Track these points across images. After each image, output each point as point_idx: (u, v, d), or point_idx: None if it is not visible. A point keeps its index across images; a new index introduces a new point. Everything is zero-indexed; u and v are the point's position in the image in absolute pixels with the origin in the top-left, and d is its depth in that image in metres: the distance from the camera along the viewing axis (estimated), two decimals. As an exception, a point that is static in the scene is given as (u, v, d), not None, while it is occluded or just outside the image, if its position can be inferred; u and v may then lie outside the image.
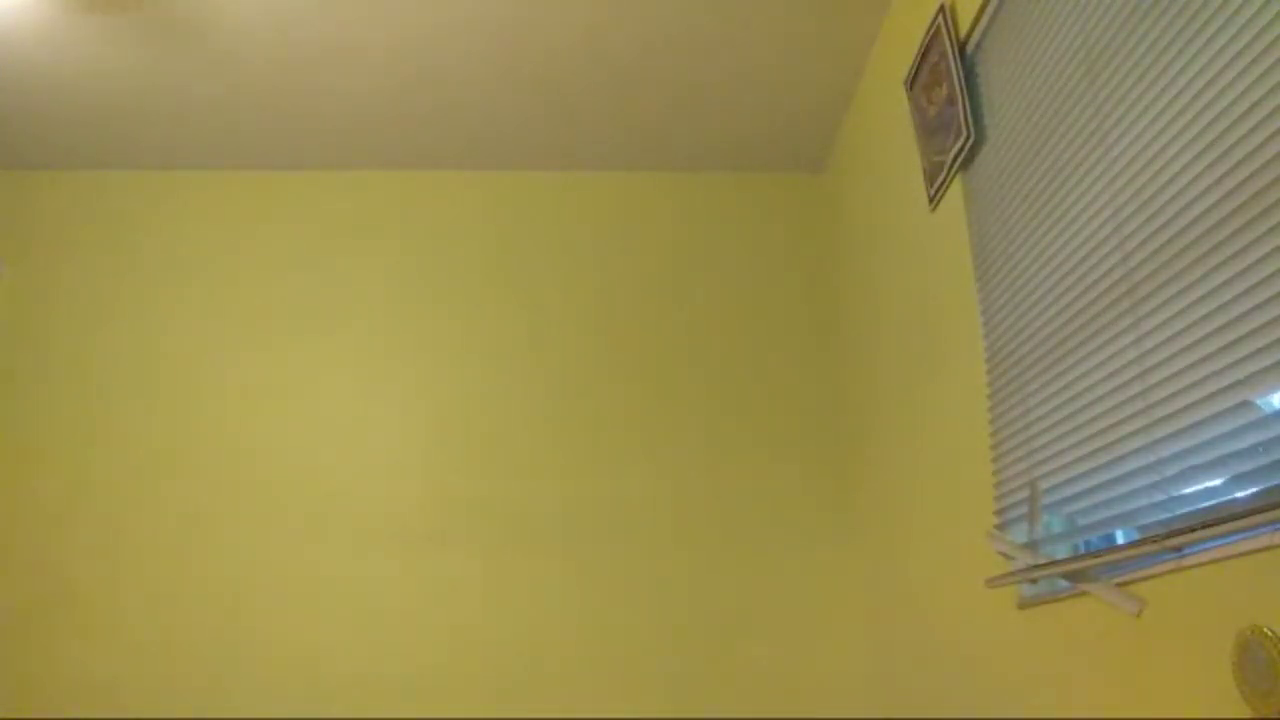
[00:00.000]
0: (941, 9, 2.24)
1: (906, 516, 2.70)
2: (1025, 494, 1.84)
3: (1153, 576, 1.40)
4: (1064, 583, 1.69)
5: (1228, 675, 1.20)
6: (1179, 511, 1.37)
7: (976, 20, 2.11)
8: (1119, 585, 1.48)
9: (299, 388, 3.25)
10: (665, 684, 3.01)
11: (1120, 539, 1.63)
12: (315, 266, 3.38)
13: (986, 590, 2.03)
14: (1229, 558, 1.22)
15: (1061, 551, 1.79)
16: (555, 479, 3.20)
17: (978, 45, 2.15)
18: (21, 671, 2.92)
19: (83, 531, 3.06)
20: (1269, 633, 1.12)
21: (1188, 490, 1.35)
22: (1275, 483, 1.18)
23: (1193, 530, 1.20)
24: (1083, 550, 1.79)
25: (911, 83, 2.46)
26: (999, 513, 1.98)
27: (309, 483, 3.15)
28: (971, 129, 2.12)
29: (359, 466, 3.18)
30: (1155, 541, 1.29)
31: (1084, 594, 1.60)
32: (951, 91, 2.20)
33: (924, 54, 2.36)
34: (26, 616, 2.98)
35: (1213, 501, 1.31)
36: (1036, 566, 1.72)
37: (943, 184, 2.32)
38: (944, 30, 2.22)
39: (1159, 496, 1.41)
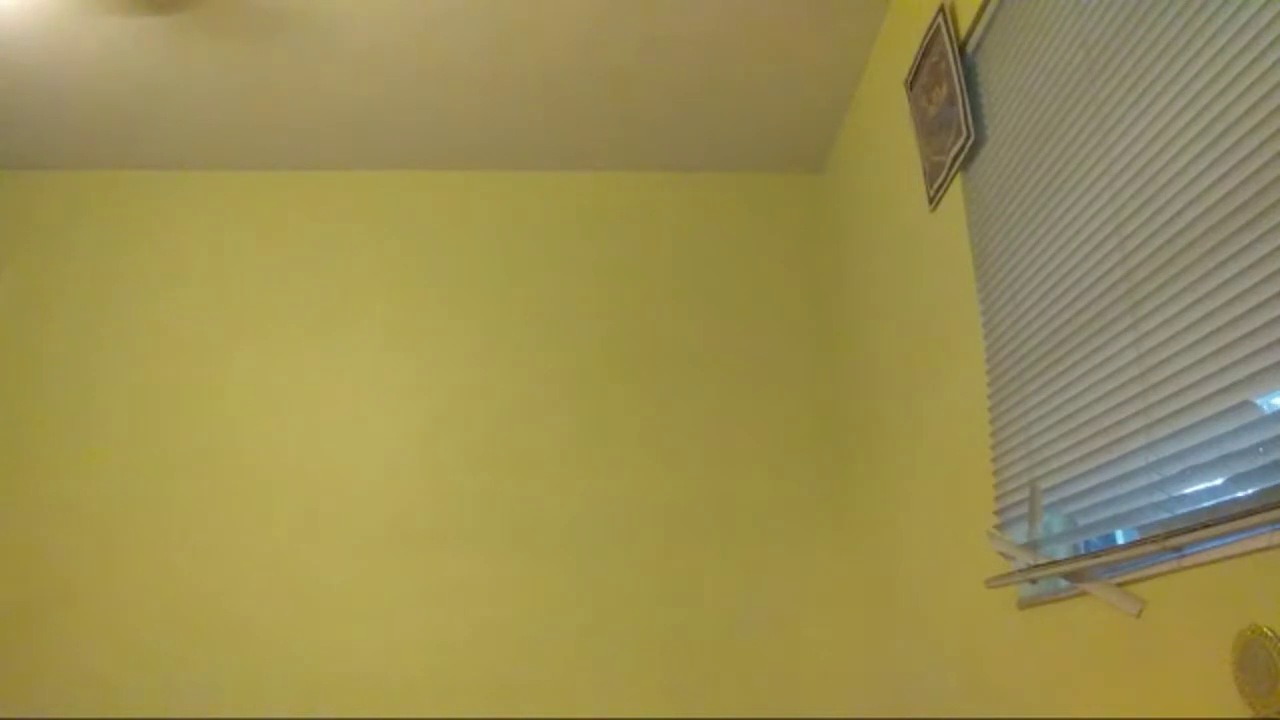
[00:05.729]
0: (941, 9, 2.24)
1: (907, 516, 2.70)
2: (1025, 494, 1.84)
3: (1153, 576, 1.40)
4: (1064, 583, 1.69)
5: (1228, 675, 1.20)
6: (1179, 511, 1.37)
7: (976, 20, 2.11)
8: (1119, 585, 1.48)
9: (299, 387, 3.25)
10: (666, 684, 3.01)
11: (1120, 539, 1.63)
12: (315, 266, 3.38)
13: (986, 590, 2.03)
14: (1229, 558, 1.22)
15: (1061, 551, 1.79)
16: (555, 479, 3.20)
17: (978, 45, 2.15)
18: (21, 671, 2.92)
19: (83, 531, 3.06)
20: (1269, 633, 1.12)
21: (1188, 490, 1.35)
22: (1275, 483, 1.18)
23: (1193, 530, 1.20)
24: (1083, 550, 1.79)
25: (911, 83, 2.46)
26: (999, 513, 1.98)
27: (309, 482, 3.15)
28: (971, 129, 2.12)
29: (359, 466, 3.18)
30: (1155, 541, 1.29)
31: (1084, 594, 1.60)
32: (951, 91, 2.20)
33: (924, 54, 2.36)
34: (26, 615, 2.98)
35: (1213, 501, 1.31)
36: (1036, 566, 1.72)
37: (943, 184, 2.32)
38: (944, 30, 2.22)
39: (1159, 496, 1.41)
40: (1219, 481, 1.29)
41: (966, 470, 2.21)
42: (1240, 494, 1.26)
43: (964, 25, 2.17)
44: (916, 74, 2.42)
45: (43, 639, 2.96)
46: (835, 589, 3.14)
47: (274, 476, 3.15)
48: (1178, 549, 1.30)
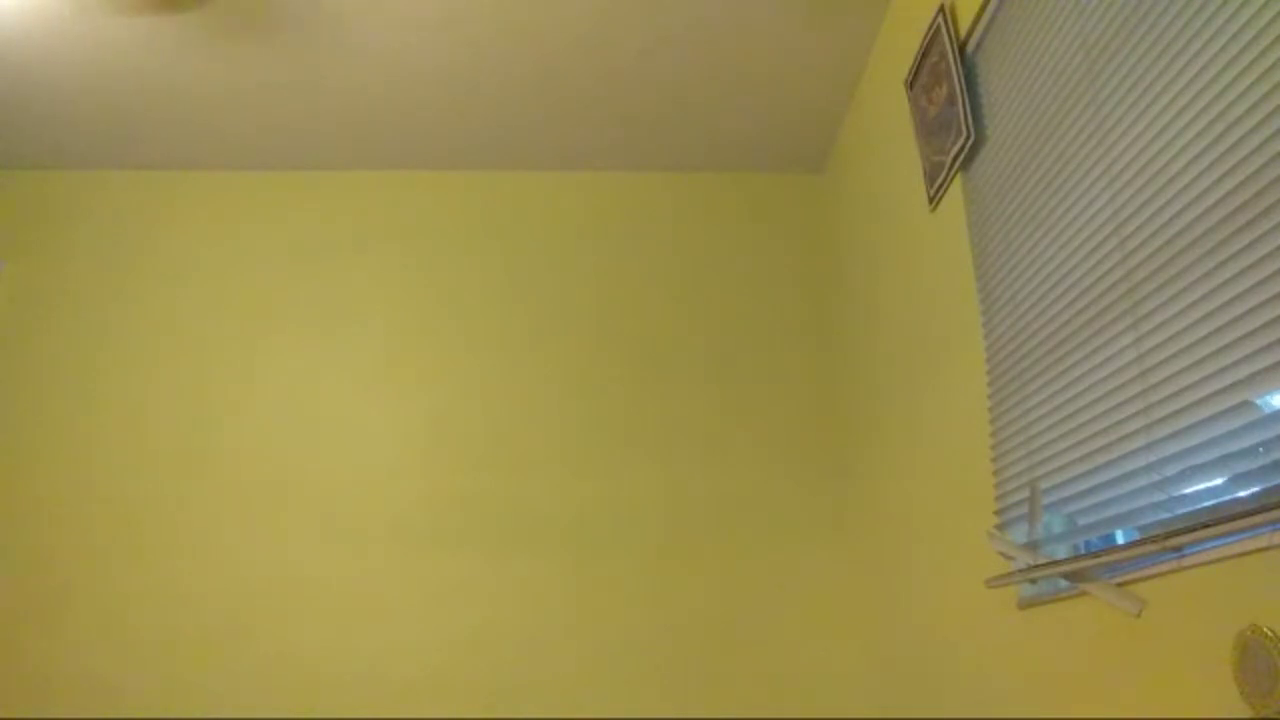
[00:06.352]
0: (941, 9, 2.24)
1: (906, 517, 2.70)
2: (1025, 494, 1.84)
3: (1153, 576, 1.40)
4: (1064, 583, 1.69)
5: (1228, 675, 1.20)
6: (1179, 511, 1.37)
7: (976, 20, 2.11)
8: (1119, 585, 1.48)
9: (299, 387, 3.25)
10: (665, 684, 3.01)
11: (1120, 539, 1.63)
12: (315, 267, 3.38)
13: (986, 590, 2.03)
14: (1229, 558, 1.22)
15: (1061, 551, 1.79)
16: (555, 480, 3.20)
17: (978, 45, 2.15)
18: (21, 671, 2.92)
19: (83, 531, 3.06)
20: (1269, 633, 1.12)
21: (1188, 490, 1.35)
22: (1275, 483, 1.18)
23: (1193, 530, 1.20)
24: (1083, 550, 1.79)
25: (911, 83, 2.46)
26: (999, 513, 1.98)
27: (310, 482, 3.15)
28: (971, 129, 2.12)
29: (359, 466, 3.18)
30: (1155, 541, 1.29)
31: (1084, 594, 1.60)
32: (951, 91, 2.20)
33: (924, 54, 2.36)
34: (26, 616, 2.98)
35: (1213, 501, 1.31)
36: (1036, 566, 1.72)
37: (943, 184, 2.32)
38: (944, 30, 2.22)
39: (1159, 496, 1.41)
40: (1219, 481, 1.29)
41: (966, 470, 2.21)
42: (1240, 494, 1.26)
43: (964, 25, 2.17)
44: (916, 74, 2.42)
45: (43, 639, 2.96)
46: (835, 589, 3.14)
47: (274, 476, 3.15)
48: (1178, 549, 1.30)
